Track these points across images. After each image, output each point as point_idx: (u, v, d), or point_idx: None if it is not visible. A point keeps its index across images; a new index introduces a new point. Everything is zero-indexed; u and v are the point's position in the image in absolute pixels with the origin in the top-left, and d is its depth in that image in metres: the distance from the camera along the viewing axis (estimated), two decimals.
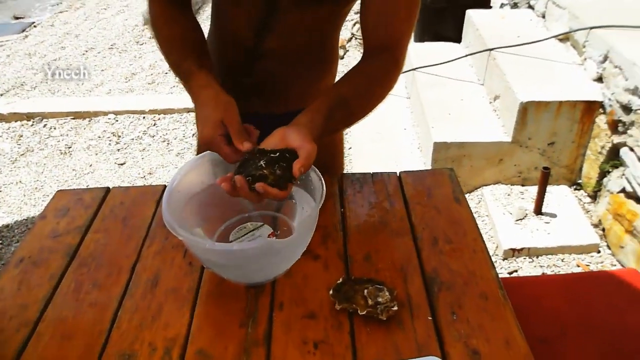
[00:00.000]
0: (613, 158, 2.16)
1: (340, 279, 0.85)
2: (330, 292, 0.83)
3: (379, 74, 0.94)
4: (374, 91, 0.93)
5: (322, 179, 0.83)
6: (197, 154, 1.21)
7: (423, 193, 1.07)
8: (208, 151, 0.89)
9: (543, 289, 1.25)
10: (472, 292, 0.85)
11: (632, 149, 2.02)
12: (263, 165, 0.77)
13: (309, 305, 0.83)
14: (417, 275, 0.88)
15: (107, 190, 1.13)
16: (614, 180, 2.13)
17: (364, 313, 0.79)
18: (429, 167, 2.35)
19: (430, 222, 0.99)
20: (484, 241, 0.95)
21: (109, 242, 0.99)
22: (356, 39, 4.02)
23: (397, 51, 0.94)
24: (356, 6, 1.00)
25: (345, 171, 1.27)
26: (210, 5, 1.09)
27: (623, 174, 2.07)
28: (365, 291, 0.82)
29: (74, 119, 3.21)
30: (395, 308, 0.79)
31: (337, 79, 1.15)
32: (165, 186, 1.12)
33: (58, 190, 1.14)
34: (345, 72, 0.94)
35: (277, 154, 0.78)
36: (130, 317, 0.83)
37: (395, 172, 1.13)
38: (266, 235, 0.91)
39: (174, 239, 0.95)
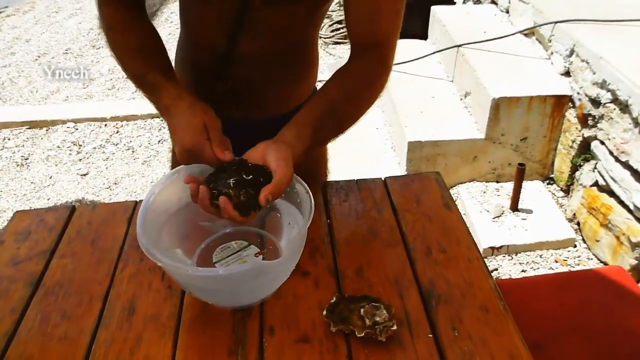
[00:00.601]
0: (584, 152, 2.17)
1: (334, 298, 0.79)
2: (324, 312, 0.77)
3: (367, 76, 0.88)
4: (362, 95, 0.88)
5: (310, 191, 0.77)
6: (173, 165, 1.14)
7: (411, 200, 1.02)
8: (183, 165, 0.83)
9: (532, 291, 1.23)
10: (471, 305, 0.81)
11: (602, 142, 2.03)
12: (231, 184, 0.72)
13: (301, 328, 0.77)
14: (413, 288, 0.84)
15: (72, 209, 1.04)
16: (586, 174, 2.15)
17: (362, 335, 0.73)
18: (404, 167, 2.32)
19: (421, 230, 0.95)
20: (478, 249, 0.91)
21: (77, 268, 0.91)
22: (320, 37, 3.97)
23: (385, 49, 0.89)
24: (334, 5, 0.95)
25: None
26: (167, 7, 1.02)
27: (595, 168, 2.09)
28: (362, 310, 0.77)
29: (29, 128, 3.05)
30: (395, 327, 0.74)
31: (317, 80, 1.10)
32: (136, 202, 1.05)
33: (17, 211, 1.05)
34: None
35: (251, 176, 0.73)
36: (105, 350, 0.76)
37: (381, 178, 1.08)
38: (253, 256, 0.85)
39: (150, 261, 0.87)
